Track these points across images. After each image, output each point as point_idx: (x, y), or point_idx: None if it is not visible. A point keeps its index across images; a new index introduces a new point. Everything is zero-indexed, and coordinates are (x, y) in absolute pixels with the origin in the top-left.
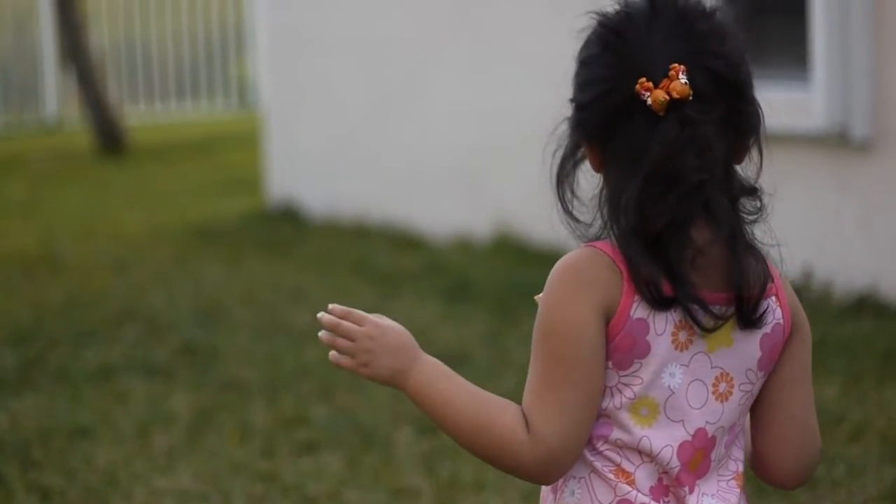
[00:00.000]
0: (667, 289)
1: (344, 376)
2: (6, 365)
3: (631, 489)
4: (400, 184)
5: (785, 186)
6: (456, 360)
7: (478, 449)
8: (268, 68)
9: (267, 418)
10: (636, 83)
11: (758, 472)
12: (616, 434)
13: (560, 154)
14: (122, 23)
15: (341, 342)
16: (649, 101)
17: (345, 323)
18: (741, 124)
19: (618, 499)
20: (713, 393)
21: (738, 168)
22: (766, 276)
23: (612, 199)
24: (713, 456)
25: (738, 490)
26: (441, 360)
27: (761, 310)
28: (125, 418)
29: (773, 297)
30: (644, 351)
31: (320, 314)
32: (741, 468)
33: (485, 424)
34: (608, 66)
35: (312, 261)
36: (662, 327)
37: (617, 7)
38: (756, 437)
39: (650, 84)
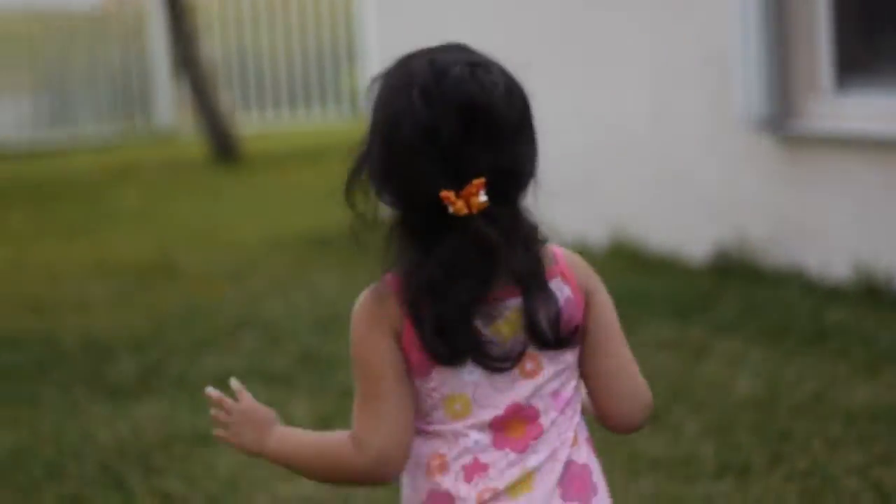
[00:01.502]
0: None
1: None
2: (126, 372)
3: (442, 475)
4: None
5: None
6: None
7: (327, 474)
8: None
9: None
10: (440, 189)
11: (601, 423)
12: (431, 428)
13: (353, 165)
14: (234, 32)
15: (220, 415)
16: (451, 209)
17: (226, 399)
18: (523, 190)
19: (432, 485)
20: (520, 373)
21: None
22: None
23: (407, 273)
24: (543, 420)
25: (569, 441)
26: None
27: (559, 329)
28: None
29: (559, 277)
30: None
31: (208, 389)
32: (575, 423)
33: (324, 451)
34: (409, 165)
35: None
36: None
37: (422, 75)
38: (590, 394)
39: (453, 196)
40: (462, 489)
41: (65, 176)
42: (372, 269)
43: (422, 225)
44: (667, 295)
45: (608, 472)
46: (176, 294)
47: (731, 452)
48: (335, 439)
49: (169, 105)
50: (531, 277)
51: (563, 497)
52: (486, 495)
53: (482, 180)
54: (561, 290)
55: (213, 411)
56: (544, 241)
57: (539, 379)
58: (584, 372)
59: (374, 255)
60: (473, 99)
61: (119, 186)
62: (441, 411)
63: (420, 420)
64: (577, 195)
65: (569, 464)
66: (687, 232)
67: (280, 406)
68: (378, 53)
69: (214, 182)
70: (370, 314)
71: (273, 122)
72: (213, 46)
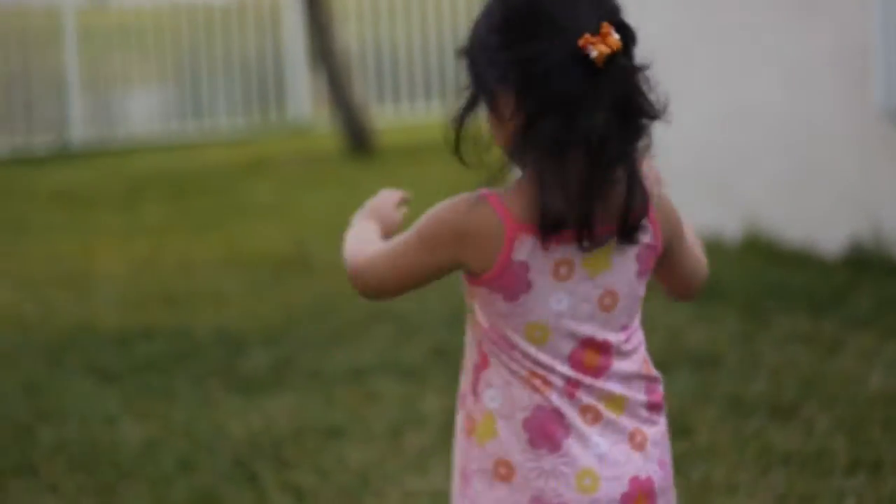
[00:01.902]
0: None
1: None
2: (259, 365)
3: (542, 394)
4: None
5: None
6: (707, 362)
7: (347, 255)
8: None
9: None
10: (579, 39)
11: (669, 296)
12: (522, 349)
13: (462, 102)
14: (369, 24)
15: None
16: (594, 53)
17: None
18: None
19: (534, 404)
20: (598, 307)
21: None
22: (646, 203)
23: (550, 142)
24: (613, 352)
25: (642, 367)
26: (691, 361)
27: (640, 230)
28: (377, 419)
29: (646, 220)
30: (526, 287)
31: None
32: (643, 349)
33: (356, 241)
34: (542, 24)
35: None
36: (542, 266)
37: None
38: (664, 283)
39: (593, 39)
40: (567, 407)
41: (199, 169)
42: None
43: (567, 82)
44: (801, 289)
45: (740, 468)
46: (309, 287)
47: (863, 448)
48: (363, 250)
49: (304, 97)
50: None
51: (651, 409)
52: (590, 415)
53: (609, 24)
54: (647, 232)
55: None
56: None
57: (613, 311)
58: (661, 277)
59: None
60: None
61: (253, 179)
62: (523, 338)
63: (504, 339)
64: (713, 190)
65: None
66: (822, 225)
67: (412, 400)
68: None
69: (349, 175)
70: (471, 231)
71: (408, 114)
72: (348, 38)
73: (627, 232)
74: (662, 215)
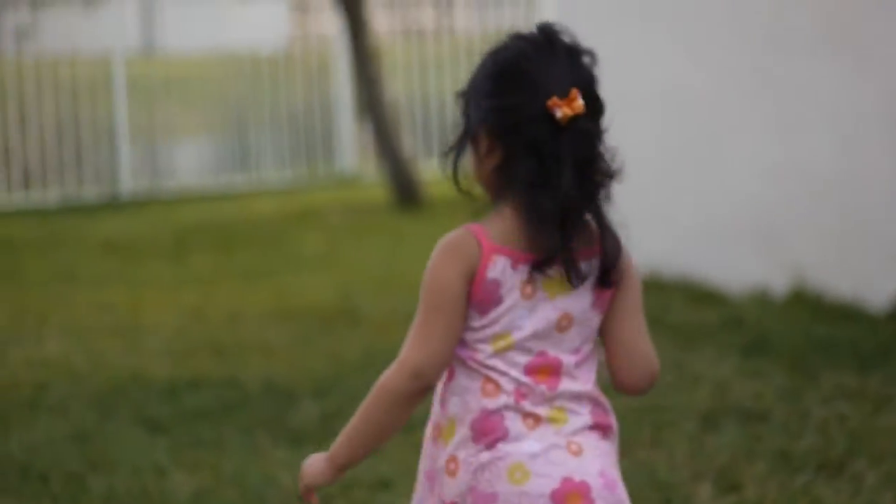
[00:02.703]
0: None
1: (644, 432)
2: (308, 417)
3: (492, 399)
4: (695, 238)
5: None
6: (754, 417)
7: (390, 418)
8: None
9: None
10: (547, 101)
11: (612, 383)
12: (478, 358)
13: (455, 138)
14: (417, 77)
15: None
16: (559, 114)
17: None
18: (603, 127)
19: (481, 407)
20: (555, 328)
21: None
22: (619, 246)
23: (527, 181)
24: (563, 372)
25: (591, 389)
26: (739, 416)
27: (615, 273)
28: None
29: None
30: (497, 301)
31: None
32: (593, 378)
33: (365, 407)
34: (521, 83)
35: None
36: (511, 284)
37: (521, 37)
38: (607, 359)
39: (560, 102)
40: (510, 411)
41: (247, 219)
42: None
43: (533, 134)
44: (848, 344)
45: None
46: (357, 339)
47: None
48: (377, 385)
49: (351, 149)
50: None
51: (594, 429)
52: (530, 420)
53: (577, 90)
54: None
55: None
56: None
57: (566, 334)
58: (606, 336)
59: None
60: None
61: (301, 230)
62: (489, 346)
63: (471, 350)
64: (760, 243)
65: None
66: (869, 280)
67: None
68: None
69: (396, 226)
70: (450, 252)
71: None
72: (396, 91)
73: (604, 274)
74: (622, 262)
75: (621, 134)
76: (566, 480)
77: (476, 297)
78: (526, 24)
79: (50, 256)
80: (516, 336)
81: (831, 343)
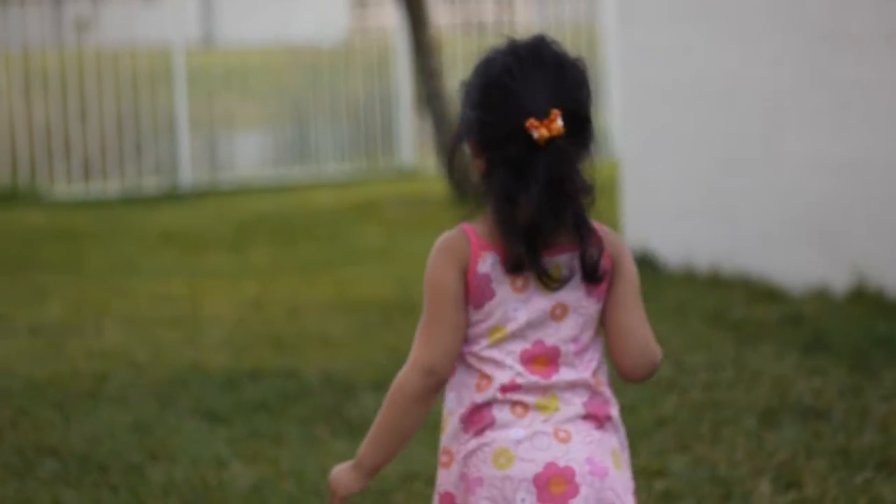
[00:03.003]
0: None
1: (704, 428)
2: (367, 409)
3: (483, 393)
4: (756, 235)
5: None
6: (814, 414)
7: (398, 418)
8: (622, 118)
9: None
10: (525, 121)
11: (615, 370)
12: (475, 350)
13: (453, 136)
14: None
15: None
16: (536, 135)
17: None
18: (587, 145)
19: (472, 400)
20: (550, 316)
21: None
22: (601, 247)
23: (501, 196)
24: (561, 360)
25: (590, 379)
26: (799, 413)
27: (599, 270)
28: None
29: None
30: (490, 295)
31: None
32: (594, 366)
33: (385, 407)
34: (503, 101)
35: (669, 309)
36: (502, 278)
37: (510, 50)
38: (608, 346)
39: (537, 123)
40: (497, 402)
41: (306, 211)
42: None
43: (511, 152)
44: None
45: None
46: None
47: None
48: (393, 388)
49: (410, 142)
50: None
51: (587, 419)
52: (518, 409)
53: (559, 111)
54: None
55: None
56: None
57: (563, 323)
58: (605, 325)
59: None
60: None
61: (360, 223)
62: (486, 340)
63: (470, 344)
64: (821, 241)
65: (591, 397)
66: None
67: None
68: (622, 97)
69: (455, 220)
70: (445, 251)
71: None
72: (455, 84)
73: (588, 275)
74: (614, 242)
75: (681, 130)
76: (549, 465)
77: (470, 291)
78: (586, 18)
79: (110, 248)
80: (511, 328)
81: (892, 340)
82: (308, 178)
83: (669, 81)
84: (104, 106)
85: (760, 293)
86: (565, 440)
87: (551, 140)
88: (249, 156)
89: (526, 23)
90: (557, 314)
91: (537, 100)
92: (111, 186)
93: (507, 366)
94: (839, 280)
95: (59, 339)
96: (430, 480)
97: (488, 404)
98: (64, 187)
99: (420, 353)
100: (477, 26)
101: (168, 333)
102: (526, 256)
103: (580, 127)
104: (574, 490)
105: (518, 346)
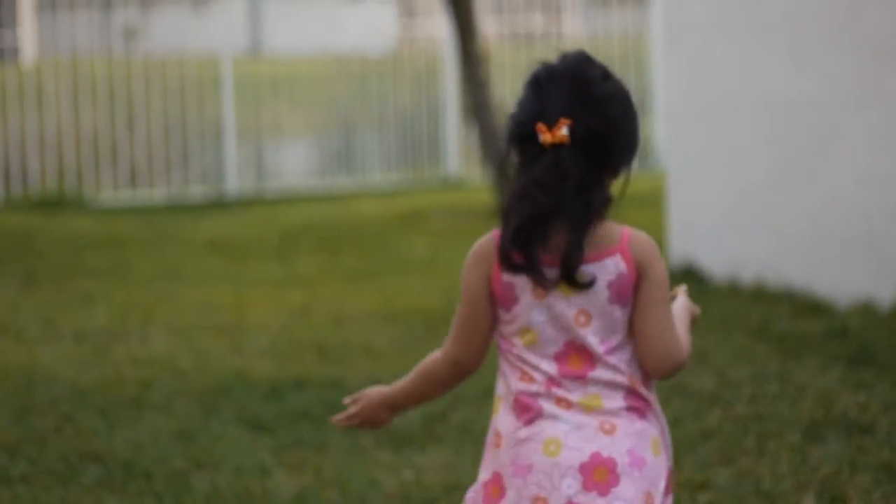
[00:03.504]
0: (518, 259)
1: (748, 441)
2: (411, 420)
3: (528, 385)
4: (802, 247)
5: None
6: (857, 429)
7: (431, 386)
8: (669, 130)
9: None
10: (536, 123)
11: (645, 368)
12: (514, 350)
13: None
14: (523, 80)
15: (353, 414)
16: (541, 139)
17: (351, 408)
18: (610, 159)
19: (519, 390)
20: (574, 322)
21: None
22: (580, 252)
23: (509, 193)
24: (594, 361)
25: (623, 376)
26: (843, 427)
27: (583, 276)
28: None
29: (619, 255)
30: (515, 300)
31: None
32: (627, 367)
33: (423, 371)
34: (528, 105)
35: (714, 322)
36: (524, 285)
37: (553, 59)
38: (636, 345)
39: (545, 127)
40: (542, 396)
41: (352, 220)
42: None
43: (525, 150)
44: None
45: None
46: None
47: None
48: (428, 360)
49: (457, 152)
50: (579, 214)
51: (630, 410)
52: (563, 403)
53: (568, 120)
54: (617, 265)
55: (350, 410)
56: (600, 216)
57: (589, 327)
58: (633, 328)
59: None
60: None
61: (406, 232)
62: (518, 339)
63: (507, 342)
64: (866, 253)
65: (626, 394)
66: None
67: None
68: (669, 107)
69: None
70: (474, 255)
71: None
72: (503, 94)
73: (567, 276)
74: (640, 250)
75: (727, 143)
76: (595, 455)
77: (497, 295)
78: (634, 28)
79: (155, 255)
80: (540, 330)
81: None
82: (354, 188)
83: (717, 94)
84: (151, 113)
85: (805, 307)
86: (610, 432)
87: (556, 146)
88: (296, 165)
89: (574, 34)
90: (581, 321)
91: (551, 108)
92: (157, 194)
93: (542, 367)
94: (885, 294)
95: (105, 346)
96: None
97: (534, 396)
98: (110, 194)
99: (449, 346)
100: (525, 37)
101: (213, 341)
102: (517, 254)
103: (595, 140)
104: (616, 480)
105: (551, 349)
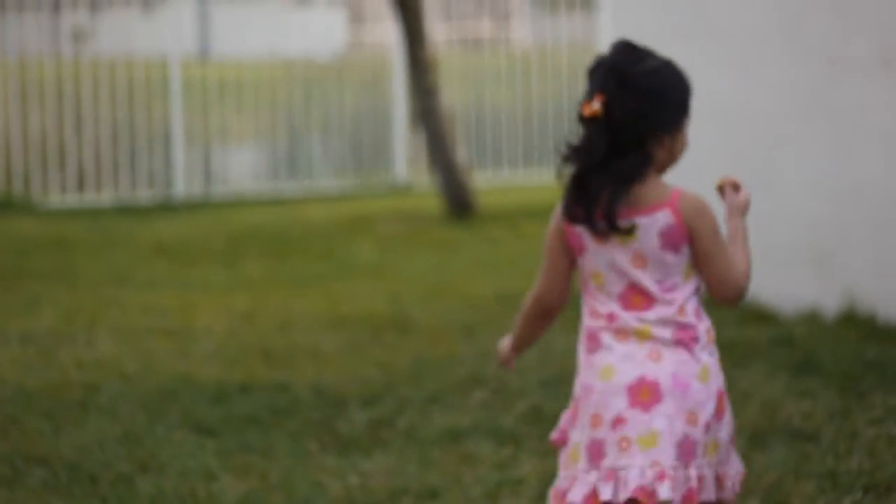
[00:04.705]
0: (577, 211)
1: None
2: (357, 425)
3: (594, 321)
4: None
5: None
6: (802, 436)
7: (532, 320)
8: None
9: None
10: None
11: (711, 296)
12: (589, 290)
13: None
14: (472, 88)
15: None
16: (583, 112)
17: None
18: (651, 127)
19: (588, 324)
20: (631, 266)
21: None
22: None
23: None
24: (654, 297)
25: (675, 312)
26: (788, 435)
27: (624, 224)
28: (474, 482)
29: (668, 209)
30: (584, 248)
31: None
32: (681, 302)
33: (522, 312)
34: (585, 85)
35: None
36: (588, 235)
37: (605, 52)
38: (705, 280)
39: (585, 103)
40: (604, 329)
41: (299, 225)
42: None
43: (580, 122)
44: None
45: None
46: (407, 348)
47: None
48: (523, 303)
49: (405, 157)
50: (617, 173)
51: (678, 344)
52: (620, 335)
53: (601, 97)
54: (666, 218)
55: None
56: (642, 175)
57: (646, 269)
58: (698, 270)
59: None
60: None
61: (353, 238)
62: (591, 281)
63: (585, 284)
64: (814, 263)
65: (677, 329)
66: None
67: (508, 464)
68: None
69: (448, 236)
70: (554, 212)
71: (506, 180)
72: (451, 100)
73: (610, 224)
74: (688, 209)
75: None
76: (641, 378)
77: (571, 244)
78: (583, 36)
79: (102, 258)
80: (605, 272)
81: (882, 364)
82: (302, 192)
83: None
84: (100, 116)
85: (751, 315)
86: (657, 359)
87: (591, 119)
88: (244, 169)
89: (522, 40)
90: (638, 264)
91: (592, 85)
92: (105, 197)
93: (608, 305)
94: (830, 303)
95: (51, 349)
96: (421, 495)
97: (598, 330)
98: (58, 197)
99: (535, 287)
100: (473, 43)
101: (159, 345)
102: (577, 209)
103: (631, 113)
104: (658, 398)
105: (616, 287)
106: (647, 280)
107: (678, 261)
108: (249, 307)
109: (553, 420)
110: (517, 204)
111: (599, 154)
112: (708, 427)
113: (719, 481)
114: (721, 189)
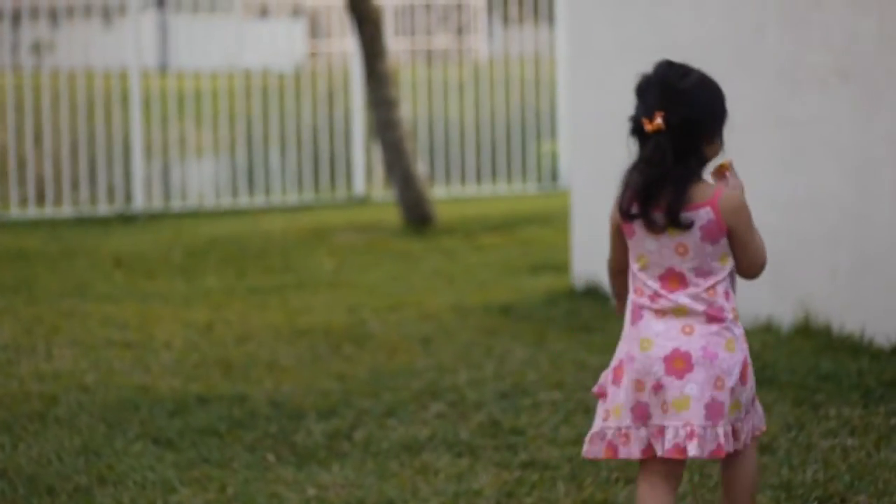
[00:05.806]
0: (634, 210)
1: None
2: (314, 437)
3: (639, 297)
4: None
5: None
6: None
7: (615, 281)
8: (573, 150)
9: (569, 500)
10: (641, 120)
11: (739, 273)
12: (634, 270)
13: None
14: (430, 101)
15: None
16: (646, 129)
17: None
18: (704, 132)
19: (633, 301)
20: (675, 253)
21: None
22: (681, 202)
23: (631, 165)
24: (688, 280)
25: (705, 293)
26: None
27: (684, 220)
28: (431, 494)
29: (708, 208)
30: (633, 233)
31: None
32: (712, 284)
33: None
34: (637, 108)
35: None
36: (640, 224)
37: (654, 67)
38: (736, 261)
39: (647, 121)
40: (647, 307)
41: (258, 238)
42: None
43: (637, 138)
44: (853, 378)
45: None
46: (365, 359)
47: None
48: (608, 266)
49: (363, 170)
50: (681, 176)
51: (709, 320)
52: (659, 312)
53: (661, 113)
54: (708, 214)
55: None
56: (697, 177)
57: (686, 257)
58: (733, 255)
59: None
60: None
61: (311, 250)
62: (636, 263)
63: (632, 263)
64: (768, 275)
65: (706, 311)
66: (876, 315)
67: (465, 476)
68: (570, 128)
69: (406, 248)
70: (611, 212)
71: (466, 190)
72: (409, 112)
73: (672, 220)
74: (727, 207)
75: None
76: (675, 350)
77: (624, 230)
78: (539, 49)
79: (61, 270)
80: (649, 256)
81: (836, 376)
82: (260, 205)
83: (620, 116)
84: (59, 128)
85: None
86: (689, 333)
87: (655, 133)
88: (202, 181)
89: (480, 53)
90: (681, 252)
91: (649, 106)
92: (64, 209)
93: (650, 283)
94: (786, 315)
95: (9, 361)
96: None
97: (641, 307)
98: (17, 209)
99: (609, 256)
100: (432, 56)
101: (118, 357)
102: (631, 209)
103: (686, 123)
104: (690, 367)
105: (656, 271)
106: (685, 266)
107: (715, 251)
108: (208, 319)
109: (509, 432)
110: (475, 216)
111: (669, 162)
112: (733, 391)
113: (735, 434)
114: (720, 172)
